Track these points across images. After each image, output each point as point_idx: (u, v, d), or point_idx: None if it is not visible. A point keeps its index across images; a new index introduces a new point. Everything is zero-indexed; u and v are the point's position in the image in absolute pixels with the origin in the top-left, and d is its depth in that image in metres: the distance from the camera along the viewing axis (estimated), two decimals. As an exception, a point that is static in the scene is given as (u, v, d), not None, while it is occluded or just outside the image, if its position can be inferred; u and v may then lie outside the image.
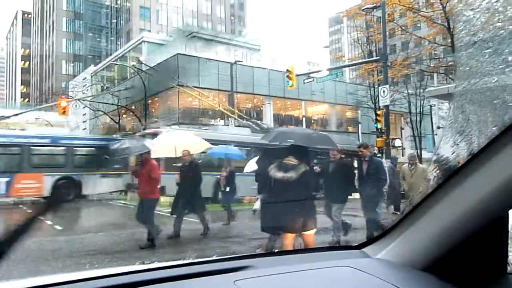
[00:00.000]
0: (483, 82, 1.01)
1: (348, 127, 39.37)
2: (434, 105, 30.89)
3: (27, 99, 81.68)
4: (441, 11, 20.05)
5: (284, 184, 4.46)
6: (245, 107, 35.74)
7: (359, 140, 31.95)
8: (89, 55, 60.72)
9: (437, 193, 1.08)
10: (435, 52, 25.99)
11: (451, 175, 1.04)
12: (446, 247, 1.08)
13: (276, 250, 1.23)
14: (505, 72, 0.96)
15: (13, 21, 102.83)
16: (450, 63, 22.29)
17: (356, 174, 7.78)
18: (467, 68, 1.09)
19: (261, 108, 35.98)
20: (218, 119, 34.02)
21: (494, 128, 0.93)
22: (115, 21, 62.15)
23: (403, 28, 26.30)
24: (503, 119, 0.90)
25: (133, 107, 31.67)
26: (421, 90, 28.69)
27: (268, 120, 35.42)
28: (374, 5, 22.33)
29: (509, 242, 1.13)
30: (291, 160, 4.63)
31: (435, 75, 27.67)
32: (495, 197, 0.95)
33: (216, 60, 31.18)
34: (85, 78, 44.40)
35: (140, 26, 54.81)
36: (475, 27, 1.07)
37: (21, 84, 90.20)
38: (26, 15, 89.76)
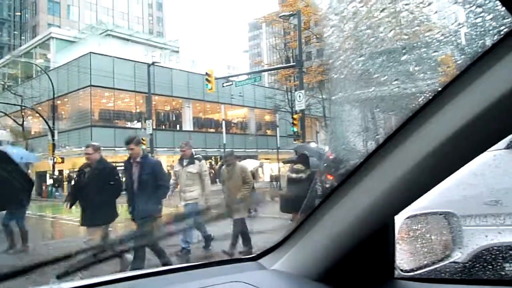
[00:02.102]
0: (378, 90, 1.02)
1: (267, 131, 40.28)
2: (345, 111, 32.76)
3: None
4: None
5: None
6: (163, 110, 34.87)
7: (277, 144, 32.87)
8: (-12, 50, 54.98)
9: (328, 201, 1.08)
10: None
11: (340, 183, 1.04)
12: (338, 255, 1.08)
13: (161, 268, 1.12)
14: (385, 84, 0.98)
15: None
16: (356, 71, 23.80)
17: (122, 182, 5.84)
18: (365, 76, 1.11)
19: (180, 111, 35.36)
20: (135, 121, 32.76)
21: (377, 136, 0.94)
22: (19, 14, 57.05)
23: (318, 36, 27.59)
24: (388, 126, 0.91)
25: (39, 108, 29.21)
26: (334, 96, 30.26)
27: (187, 123, 34.96)
28: (291, 12, 23.13)
29: (395, 247, 1.16)
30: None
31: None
32: (382, 204, 0.96)
33: (133, 61, 29.99)
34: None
35: (48, 20, 50.94)
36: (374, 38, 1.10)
37: None
38: None
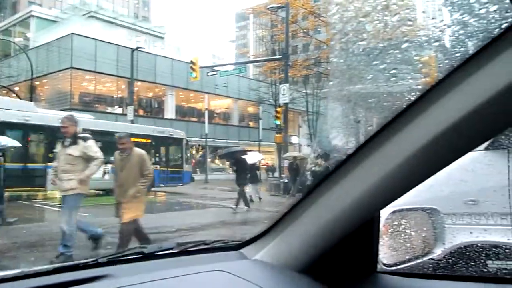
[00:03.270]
0: (360, 88, 1.01)
1: (250, 122, 40.24)
2: (327, 105, 32.98)
3: None
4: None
5: None
6: (145, 96, 34.40)
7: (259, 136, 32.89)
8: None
9: (314, 192, 1.07)
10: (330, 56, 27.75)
11: (328, 174, 1.02)
12: (322, 248, 1.07)
13: (139, 256, 1.08)
14: (377, 80, 0.97)
15: None
16: (340, 68, 24.01)
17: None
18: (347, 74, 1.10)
19: (163, 99, 34.96)
20: (116, 107, 32.24)
21: (369, 127, 0.92)
22: (-1, -11, 55.19)
23: (305, 30, 27.61)
24: (377, 119, 0.91)
25: (16, 88, 28.43)
26: (318, 91, 30.46)
27: (169, 111, 34.61)
28: (279, 5, 23.05)
29: (378, 242, 1.15)
30: None
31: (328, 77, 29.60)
32: (368, 197, 0.96)
33: (116, 45, 29.40)
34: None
35: (29, -2, 49.51)
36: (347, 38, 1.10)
37: None
38: None
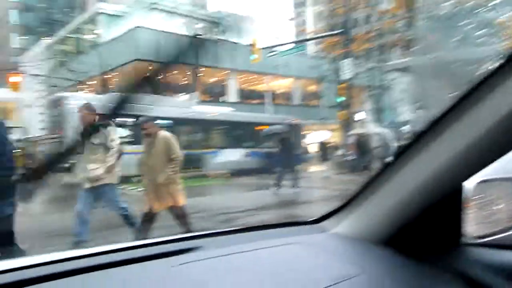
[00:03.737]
0: (439, 56, 0.97)
1: (311, 101, 39.73)
2: (395, 79, 31.61)
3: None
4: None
5: None
6: (208, 82, 35.20)
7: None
8: (42, 27, 57.41)
9: (395, 164, 1.06)
10: (397, 26, 26.39)
11: (408, 146, 1.01)
12: (403, 220, 1.06)
13: (225, 229, 1.16)
14: (459, 47, 0.92)
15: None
16: (410, 38, 22.74)
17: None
18: (424, 42, 1.06)
19: (225, 83, 35.56)
20: (180, 94, 33.39)
21: (449, 96, 0.90)
22: (69, -9, 58.84)
23: (366, 1, 26.44)
24: (458, 89, 0.88)
25: (91, 82, 30.43)
26: (383, 64, 29.20)
27: (232, 95, 35.18)
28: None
29: (463, 214, 1.12)
30: None
31: (396, 49, 28.19)
32: (452, 169, 0.93)
33: (177, 34, 30.24)
34: (38, 52, 42.16)
35: (96, -4, 52.19)
36: (433, 3, 1.04)
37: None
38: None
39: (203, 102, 30.53)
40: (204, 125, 20.03)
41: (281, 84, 39.28)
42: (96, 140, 4.99)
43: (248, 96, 37.36)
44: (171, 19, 34.03)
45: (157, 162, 4.98)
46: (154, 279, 0.90)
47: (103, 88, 28.50)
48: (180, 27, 31.39)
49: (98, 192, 5.09)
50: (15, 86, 25.85)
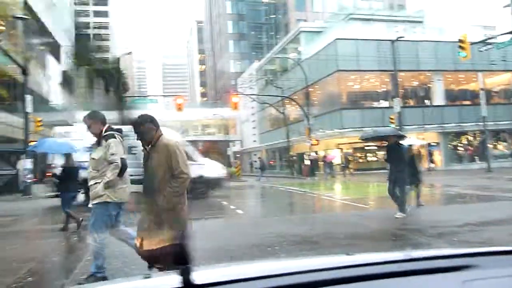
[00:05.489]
0: None
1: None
2: None
3: (205, 98, 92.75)
4: None
5: None
6: (410, 86, 33.50)
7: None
8: (253, 52, 65.20)
9: None
10: None
11: None
12: None
13: (503, 248, 1.07)
14: None
15: (190, 30, 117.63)
16: None
17: None
18: None
19: (429, 85, 33.18)
20: (381, 101, 32.79)
21: None
22: (274, 16, 65.14)
23: None
24: None
25: (295, 96, 32.93)
26: None
27: (438, 97, 32.53)
28: None
29: None
30: None
31: None
32: None
33: (375, 40, 29.93)
34: (251, 74, 47.99)
35: (296, 17, 56.14)
36: None
37: (200, 86, 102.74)
38: (199, 23, 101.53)
39: (406, 107, 29.23)
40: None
41: (498, 81, 34.22)
42: (96, 154, 4.52)
43: (456, 97, 33.90)
44: (369, 26, 33.89)
45: (156, 177, 3.50)
46: None
47: (307, 100, 30.42)
48: (379, 32, 30.93)
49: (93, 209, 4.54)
50: (234, 105, 30.07)
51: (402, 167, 8.73)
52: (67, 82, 41.39)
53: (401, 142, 9.29)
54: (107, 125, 4.61)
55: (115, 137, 4.50)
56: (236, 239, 7.18)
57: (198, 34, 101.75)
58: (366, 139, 11.64)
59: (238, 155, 50.91)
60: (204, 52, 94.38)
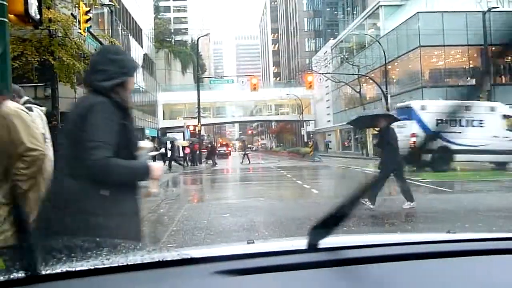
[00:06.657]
0: None
1: None
2: None
3: (278, 78, 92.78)
4: None
5: None
6: (503, 62, 30.53)
7: None
8: (328, 29, 63.52)
9: None
10: None
11: None
12: None
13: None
14: None
15: (263, 11, 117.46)
16: None
17: None
18: None
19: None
20: (468, 78, 30.34)
21: None
22: (350, -10, 62.67)
23: None
24: None
25: (372, 75, 31.66)
26: None
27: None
28: None
29: None
30: None
31: None
32: None
33: (463, 12, 27.58)
34: (326, 52, 46.91)
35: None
36: None
37: (273, 65, 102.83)
38: (272, 2, 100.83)
39: (497, 85, 26.82)
40: None
41: None
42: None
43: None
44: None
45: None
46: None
47: (385, 79, 29.13)
48: (466, 3, 28.45)
49: None
50: (309, 85, 29.76)
51: (394, 154, 7.44)
52: (147, 64, 43.74)
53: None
54: None
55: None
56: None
57: (271, 13, 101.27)
58: (356, 126, 10.56)
59: (312, 135, 50.58)
60: (277, 31, 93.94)
